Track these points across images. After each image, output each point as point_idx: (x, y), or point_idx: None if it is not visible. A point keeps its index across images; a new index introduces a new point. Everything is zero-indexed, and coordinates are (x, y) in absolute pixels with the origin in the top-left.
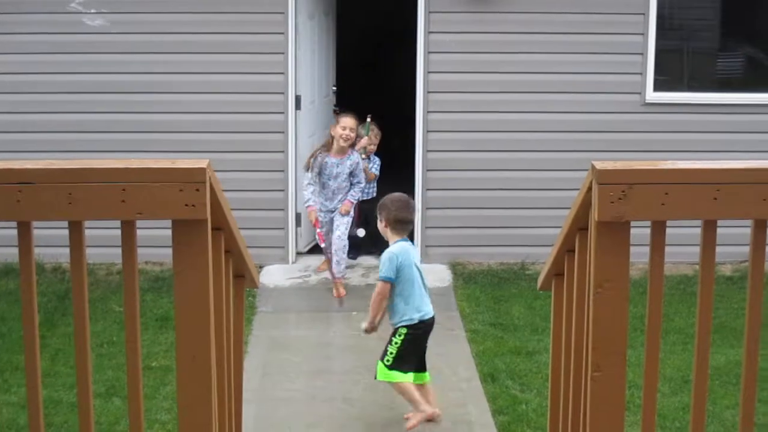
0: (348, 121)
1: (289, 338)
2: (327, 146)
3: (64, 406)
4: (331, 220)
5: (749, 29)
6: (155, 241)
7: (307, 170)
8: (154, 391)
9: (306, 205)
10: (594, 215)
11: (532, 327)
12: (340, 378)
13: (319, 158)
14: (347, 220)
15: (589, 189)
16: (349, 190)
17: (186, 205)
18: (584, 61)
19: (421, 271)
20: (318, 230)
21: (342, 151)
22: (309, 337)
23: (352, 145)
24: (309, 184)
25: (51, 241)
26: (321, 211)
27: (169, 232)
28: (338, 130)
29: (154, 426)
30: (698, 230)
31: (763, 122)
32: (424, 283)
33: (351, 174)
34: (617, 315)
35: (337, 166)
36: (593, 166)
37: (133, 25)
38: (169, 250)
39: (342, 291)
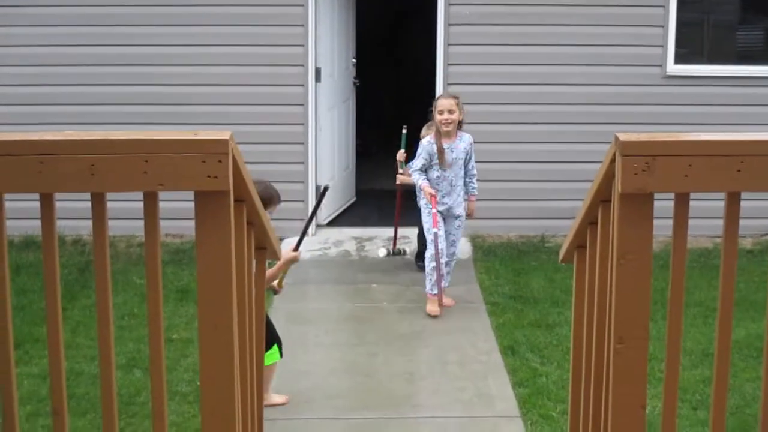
0: (443, 103)
1: (309, 311)
2: (437, 133)
3: (85, 377)
4: (450, 221)
5: None
6: (175, 213)
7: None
8: (174, 363)
9: (419, 184)
10: (617, 187)
11: (551, 300)
12: (360, 351)
13: (426, 146)
14: (464, 214)
15: (612, 161)
16: (466, 185)
17: (208, 176)
18: (605, 34)
19: None
20: (434, 210)
21: (449, 135)
22: (329, 309)
23: (459, 126)
24: (417, 170)
25: (71, 214)
26: (439, 211)
27: (188, 204)
28: (437, 116)
29: (175, 398)
30: (718, 203)
31: None
32: None
33: (466, 158)
34: (640, 287)
35: (452, 151)
36: (617, 138)
37: None
38: (190, 223)
39: (439, 308)
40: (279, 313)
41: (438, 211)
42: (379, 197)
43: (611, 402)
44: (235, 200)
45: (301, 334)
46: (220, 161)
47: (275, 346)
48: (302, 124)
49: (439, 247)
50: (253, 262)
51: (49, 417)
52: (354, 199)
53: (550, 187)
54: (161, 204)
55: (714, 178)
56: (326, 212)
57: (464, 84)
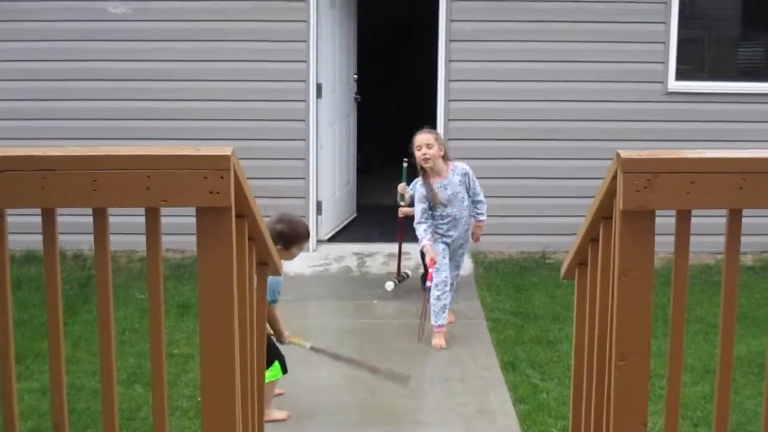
0: (419, 138)
1: (311, 326)
2: (424, 174)
3: (86, 393)
4: (454, 250)
5: None
6: (176, 228)
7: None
8: (175, 378)
9: (421, 245)
10: (619, 204)
11: (552, 316)
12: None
13: (420, 190)
14: (468, 245)
15: (614, 177)
16: (472, 212)
17: (210, 192)
18: (606, 50)
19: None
20: (431, 270)
21: (439, 172)
22: (330, 325)
23: (447, 159)
24: (420, 222)
25: (72, 228)
26: (444, 243)
27: (189, 219)
28: (415, 153)
29: (176, 413)
30: (719, 219)
31: None
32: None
33: (467, 188)
34: (642, 304)
35: (445, 188)
36: (618, 155)
37: (156, 12)
38: (190, 238)
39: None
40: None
41: (444, 243)
42: (381, 213)
43: (612, 419)
44: (237, 216)
45: (303, 349)
46: (221, 177)
47: (276, 363)
48: (303, 139)
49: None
50: (254, 277)
51: None
52: (355, 215)
53: (551, 203)
54: (164, 219)
55: (716, 195)
56: (327, 228)
57: (465, 100)
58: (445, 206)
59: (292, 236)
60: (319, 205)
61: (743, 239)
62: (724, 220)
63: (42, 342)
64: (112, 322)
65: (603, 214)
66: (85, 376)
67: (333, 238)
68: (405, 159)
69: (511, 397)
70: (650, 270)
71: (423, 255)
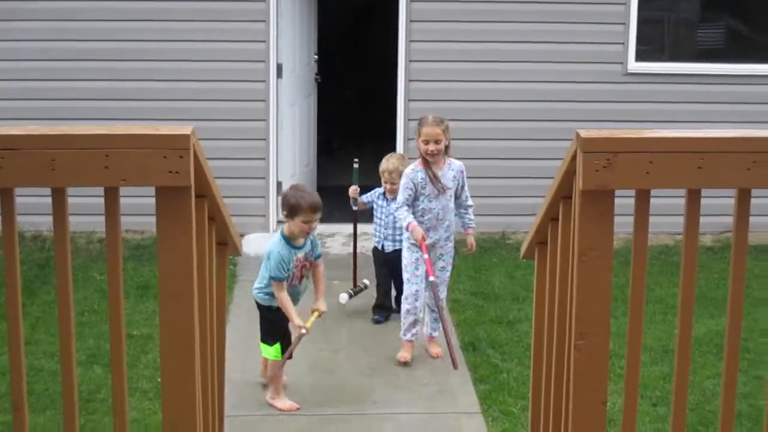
0: (429, 132)
1: None
2: (423, 162)
3: (45, 374)
4: (433, 260)
5: (730, 0)
6: (136, 209)
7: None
8: (135, 360)
9: (406, 222)
10: (578, 183)
11: (512, 296)
12: (322, 346)
13: (410, 174)
14: (451, 258)
15: (574, 157)
16: (461, 217)
17: (170, 171)
18: (566, 31)
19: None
20: (425, 256)
21: (435, 163)
22: None
23: (446, 152)
24: (401, 206)
25: (31, 209)
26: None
27: (149, 200)
28: (421, 146)
29: (136, 394)
30: (678, 200)
31: (745, 93)
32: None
33: (457, 188)
34: (601, 283)
35: (438, 180)
36: (578, 135)
37: None
38: (150, 219)
39: (438, 349)
40: (241, 309)
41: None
42: (341, 193)
43: (572, 398)
44: (197, 196)
45: None
46: (181, 156)
47: (278, 344)
48: (264, 120)
49: (440, 296)
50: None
51: (9, 414)
52: None
53: (511, 183)
54: (123, 200)
55: (675, 175)
56: None
57: (425, 80)
58: (431, 200)
59: (292, 203)
60: (279, 185)
61: (702, 220)
62: (683, 200)
63: (1, 323)
64: (71, 304)
65: (563, 193)
66: (44, 357)
67: None
68: (356, 160)
69: (472, 377)
70: (609, 249)
71: (381, 284)
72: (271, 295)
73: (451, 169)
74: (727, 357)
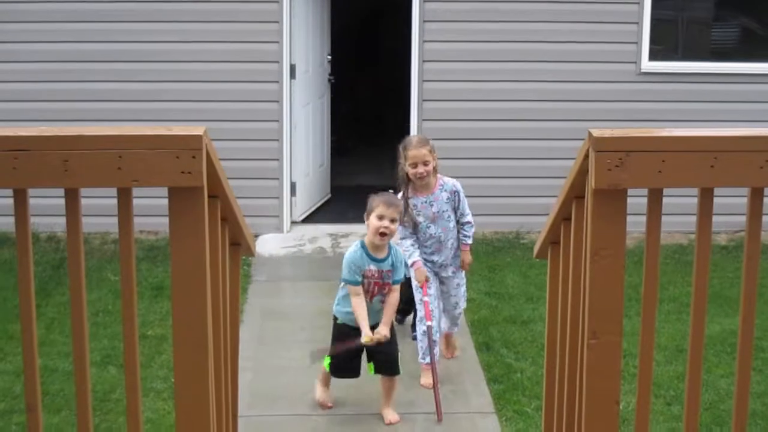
0: (415, 154)
1: (285, 307)
2: (407, 186)
3: (60, 375)
4: (443, 280)
5: None
6: (150, 209)
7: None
8: (149, 360)
9: (411, 261)
10: (591, 183)
11: (526, 296)
12: None
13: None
14: (464, 273)
15: (586, 156)
16: (458, 234)
17: (182, 172)
18: (580, 30)
19: None
20: (425, 298)
21: (426, 187)
22: (304, 305)
23: (434, 172)
24: (405, 237)
25: (46, 210)
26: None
27: (164, 200)
28: (409, 170)
29: (150, 395)
30: (693, 199)
31: (758, 92)
32: None
33: (455, 207)
34: (614, 282)
35: (431, 205)
36: (590, 134)
37: None
38: (164, 219)
39: (431, 379)
40: (254, 309)
41: (428, 268)
42: (355, 193)
43: (585, 397)
44: (210, 196)
45: (277, 330)
46: (193, 157)
47: (329, 359)
48: (277, 120)
49: (433, 339)
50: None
51: (23, 414)
52: (329, 196)
53: (525, 183)
54: (136, 201)
55: (687, 173)
56: (301, 209)
57: (440, 81)
58: (428, 226)
59: (369, 205)
60: (293, 186)
61: (717, 219)
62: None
63: (16, 324)
64: (84, 304)
65: (575, 193)
66: (58, 357)
67: (307, 219)
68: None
69: (485, 377)
70: (622, 248)
71: (409, 285)
72: (340, 304)
73: (444, 191)
74: (740, 356)
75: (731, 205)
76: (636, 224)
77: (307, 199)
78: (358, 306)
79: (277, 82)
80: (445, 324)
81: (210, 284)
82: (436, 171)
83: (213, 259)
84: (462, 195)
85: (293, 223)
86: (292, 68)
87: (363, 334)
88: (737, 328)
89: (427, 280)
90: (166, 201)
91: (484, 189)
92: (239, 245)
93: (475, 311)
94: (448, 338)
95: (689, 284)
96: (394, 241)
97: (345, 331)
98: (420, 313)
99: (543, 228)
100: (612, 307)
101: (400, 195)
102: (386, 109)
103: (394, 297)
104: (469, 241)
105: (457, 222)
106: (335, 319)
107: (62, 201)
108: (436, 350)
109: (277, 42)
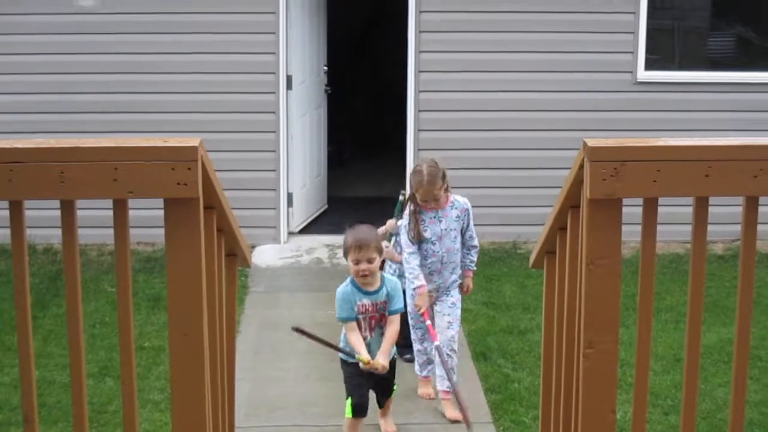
0: (423, 193)
1: (282, 318)
2: (416, 197)
3: (57, 387)
4: (439, 304)
5: (740, 8)
6: (147, 221)
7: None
8: (146, 371)
9: (415, 285)
10: (586, 193)
11: (523, 306)
12: (333, 357)
13: (409, 220)
14: (459, 294)
15: (581, 166)
16: (464, 257)
17: (178, 183)
18: (576, 40)
19: None
20: (428, 322)
21: (438, 203)
22: (301, 316)
23: (446, 191)
24: (412, 253)
25: (43, 222)
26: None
27: (160, 212)
28: (419, 198)
29: (147, 406)
30: (689, 209)
31: (754, 101)
32: None
33: (462, 228)
34: (609, 292)
35: (439, 221)
36: (585, 144)
37: (125, 5)
38: (161, 231)
39: (456, 412)
40: (252, 320)
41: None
42: (352, 204)
43: (581, 407)
44: (205, 207)
45: (274, 340)
46: (189, 168)
47: (350, 399)
48: (273, 131)
49: (448, 360)
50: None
51: (20, 426)
52: (326, 207)
53: (521, 193)
54: (133, 212)
55: (682, 183)
56: (298, 219)
57: (435, 91)
58: (434, 243)
59: (343, 246)
60: (289, 197)
61: (713, 228)
62: None
63: (12, 335)
64: (80, 316)
65: (571, 203)
66: (56, 369)
67: (304, 230)
68: (402, 192)
69: (483, 387)
70: (618, 258)
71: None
72: (344, 342)
73: (454, 208)
74: (736, 365)
75: (727, 215)
76: (632, 233)
77: (303, 210)
78: (353, 337)
79: (273, 93)
80: (440, 382)
81: (206, 295)
82: (447, 189)
83: (209, 269)
84: (471, 215)
85: (290, 233)
86: (289, 79)
87: (360, 356)
88: (734, 337)
89: (427, 309)
90: (162, 212)
91: (481, 199)
92: (235, 256)
93: (472, 321)
94: (446, 397)
95: (686, 293)
96: (401, 257)
97: (353, 371)
98: (417, 335)
99: (539, 238)
100: (608, 317)
101: (407, 211)
102: (383, 120)
103: (393, 328)
104: (474, 267)
105: (464, 244)
106: (343, 361)
107: (59, 212)
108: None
109: (274, 53)
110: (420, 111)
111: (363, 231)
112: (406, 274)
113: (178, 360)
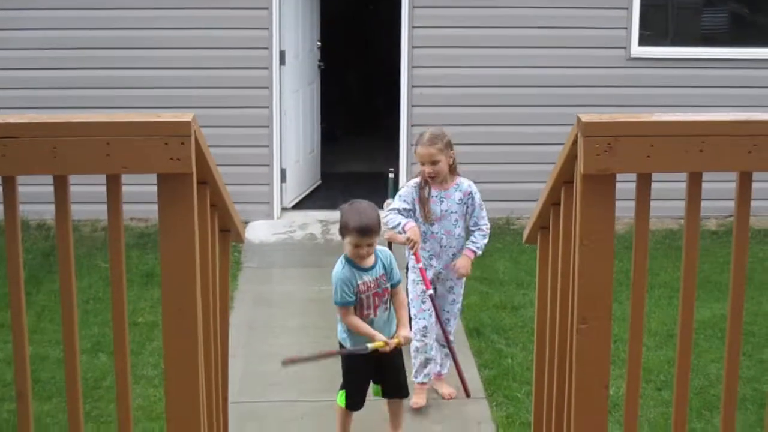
0: (421, 152)
1: (275, 294)
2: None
3: (51, 362)
4: (440, 292)
5: None
6: (140, 197)
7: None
8: (140, 347)
9: (403, 224)
10: (579, 168)
11: (517, 282)
12: (326, 333)
13: (412, 189)
14: (462, 289)
15: (575, 142)
16: (466, 239)
17: (171, 158)
18: (569, 16)
19: None
20: (420, 264)
21: (443, 182)
22: (294, 292)
23: (453, 171)
24: (394, 209)
25: (36, 198)
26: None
27: (153, 187)
28: (421, 169)
29: (141, 381)
30: (683, 185)
31: (747, 77)
32: None
33: (466, 213)
34: (603, 267)
35: (441, 201)
36: (579, 119)
37: None
38: (154, 207)
39: (451, 389)
40: (246, 296)
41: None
42: (345, 180)
43: (574, 382)
44: (199, 182)
45: (268, 316)
46: (182, 143)
47: (343, 392)
48: (267, 107)
49: (438, 317)
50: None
51: (14, 401)
52: (319, 182)
53: (515, 169)
54: (127, 188)
55: (676, 158)
56: (291, 195)
57: (429, 67)
58: (432, 223)
59: (341, 222)
60: (283, 172)
61: (707, 204)
62: None
63: (6, 312)
64: (74, 292)
65: (564, 178)
66: (49, 345)
67: (297, 206)
68: (391, 170)
69: (476, 363)
70: (611, 234)
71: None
72: (347, 332)
73: (458, 191)
74: (729, 340)
75: (721, 190)
76: (625, 209)
77: (297, 186)
78: (356, 321)
79: (266, 68)
80: (435, 366)
81: (199, 270)
82: (453, 169)
83: (202, 245)
84: (477, 200)
85: (283, 209)
86: (282, 54)
87: (376, 342)
88: (727, 313)
89: (416, 242)
90: (155, 188)
91: (474, 175)
92: (229, 231)
93: (465, 297)
94: (439, 379)
95: (679, 269)
96: (403, 238)
97: (353, 360)
98: (426, 305)
99: (533, 213)
100: (601, 292)
101: (414, 181)
102: (376, 96)
103: (402, 296)
104: (474, 248)
105: (469, 227)
106: (341, 346)
107: (52, 188)
108: (434, 353)
109: (267, 28)
110: (413, 87)
111: (366, 214)
112: (390, 224)
113: (172, 335)
